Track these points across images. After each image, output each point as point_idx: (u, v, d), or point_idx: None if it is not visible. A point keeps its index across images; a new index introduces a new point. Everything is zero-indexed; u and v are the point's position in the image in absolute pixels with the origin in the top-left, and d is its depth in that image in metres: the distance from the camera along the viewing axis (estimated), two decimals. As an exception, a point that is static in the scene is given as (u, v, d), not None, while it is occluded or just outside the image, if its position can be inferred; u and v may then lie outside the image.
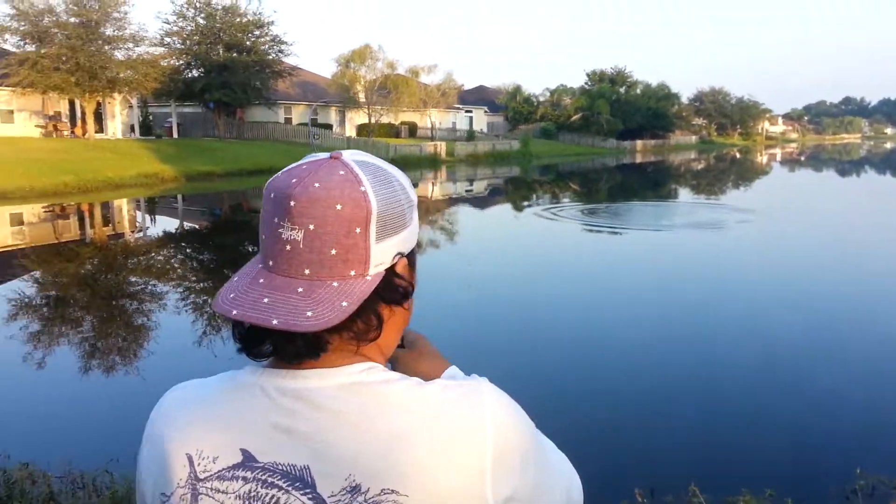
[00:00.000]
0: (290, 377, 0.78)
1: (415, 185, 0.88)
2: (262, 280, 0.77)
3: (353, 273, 0.77)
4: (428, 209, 20.27)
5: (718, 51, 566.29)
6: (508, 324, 7.95)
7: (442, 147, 43.78)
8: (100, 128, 33.50)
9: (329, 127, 44.69)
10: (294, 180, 0.77)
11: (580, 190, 29.09)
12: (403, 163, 39.15)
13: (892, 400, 5.40)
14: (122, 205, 21.09)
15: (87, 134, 30.67)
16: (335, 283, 0.76)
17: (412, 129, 51.08)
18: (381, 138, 43.32)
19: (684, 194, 27.30)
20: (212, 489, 0.78)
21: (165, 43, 34.98)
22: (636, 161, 53.91)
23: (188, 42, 35.31)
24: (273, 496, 0.76)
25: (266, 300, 0.74)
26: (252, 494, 0.77)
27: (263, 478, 0.77)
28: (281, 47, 37.24)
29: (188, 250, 14.03)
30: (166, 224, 17.96)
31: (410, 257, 0.85)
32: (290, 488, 0.76)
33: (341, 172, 0.78)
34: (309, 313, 0.73)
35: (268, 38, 36.76)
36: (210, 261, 12.86)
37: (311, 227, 0.75)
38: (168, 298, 9.13)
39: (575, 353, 6.76)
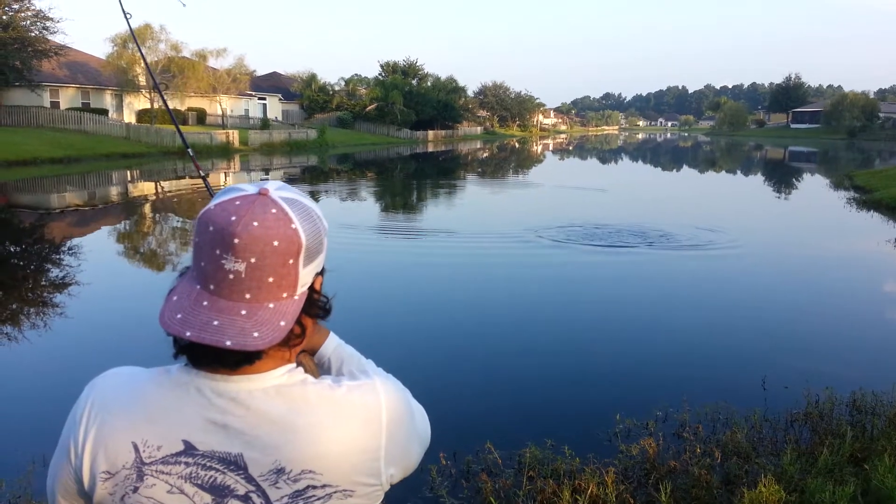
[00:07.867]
0: (223, 381, 0.90)
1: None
2: (205, 303, 0.87)
3: (284, 295, 0.89)
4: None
5: (500, 48, 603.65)
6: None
7: (235, 135, 41.79)
8: None
9: (105, 112, 40.84)
10: (233, 218, 0.85)
11: (377, 177, 29.32)
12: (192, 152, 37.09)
13: (638, 364, 6.34)
14: None
15: None
16: (271, 305, 0.87)
17: (201, 116, 48.21)
18: (166, 125, 40.65)
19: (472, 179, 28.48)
20: (157, 471, 0.90)
21: None
22: (429, 150, 55.52)
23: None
24: (211, 476, 0.90)
25: (216, 322, 0.85)
26: (193, 475, 0.90)
27: (203, 462, 0.90)
28: (46, 24, 33.23)
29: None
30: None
31: (322, 273, 0.98)
32: (226, 470, 0.90)
33: (273, 211, 0.87)
34: (255, 334, 0.85)
35: (29, 14, 32.68)
36: None
37: (253, 260, 0.85)
38: None
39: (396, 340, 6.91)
